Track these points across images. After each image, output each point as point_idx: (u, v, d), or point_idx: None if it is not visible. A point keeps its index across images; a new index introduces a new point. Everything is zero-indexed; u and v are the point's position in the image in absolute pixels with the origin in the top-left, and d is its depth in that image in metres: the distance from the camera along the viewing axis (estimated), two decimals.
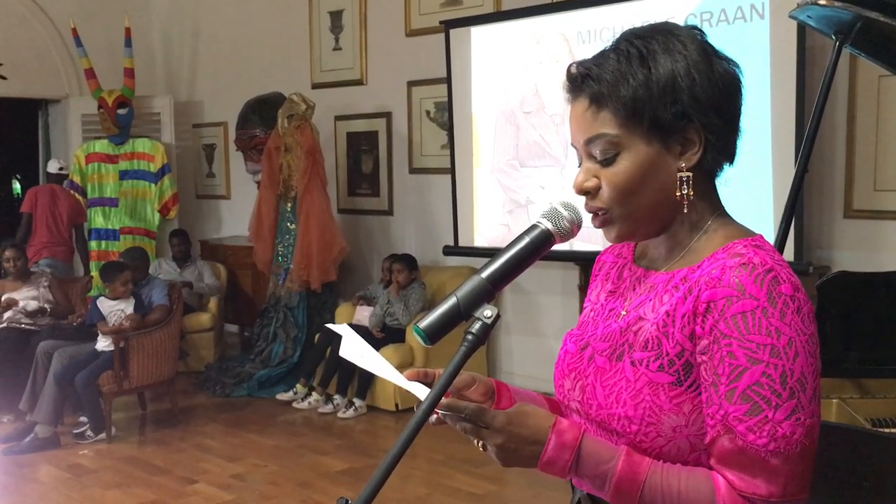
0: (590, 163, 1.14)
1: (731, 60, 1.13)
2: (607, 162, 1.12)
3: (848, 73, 4.35)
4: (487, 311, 1.06)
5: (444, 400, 1.09)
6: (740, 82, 1.14)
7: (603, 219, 1.14)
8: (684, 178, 1.11)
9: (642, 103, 1.09)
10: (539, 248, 1.11)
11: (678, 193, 1.12)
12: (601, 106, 1.11)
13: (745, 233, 1.14)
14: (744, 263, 1.05)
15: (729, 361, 1.03)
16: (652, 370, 1.09)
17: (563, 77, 1.17)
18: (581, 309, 1.34)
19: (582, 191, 1.14)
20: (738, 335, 1.03)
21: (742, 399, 1.02)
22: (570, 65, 1.16)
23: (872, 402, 2.40)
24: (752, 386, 1.02)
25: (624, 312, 1.18)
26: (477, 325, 1.06)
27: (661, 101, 1.09)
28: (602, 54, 1.14)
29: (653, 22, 1.18)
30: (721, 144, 1.12)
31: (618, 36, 1.15)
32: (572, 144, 1.18)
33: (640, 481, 1.06)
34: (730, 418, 1.03)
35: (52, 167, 7.08)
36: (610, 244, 1.33)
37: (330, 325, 1.37)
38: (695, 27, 1.14)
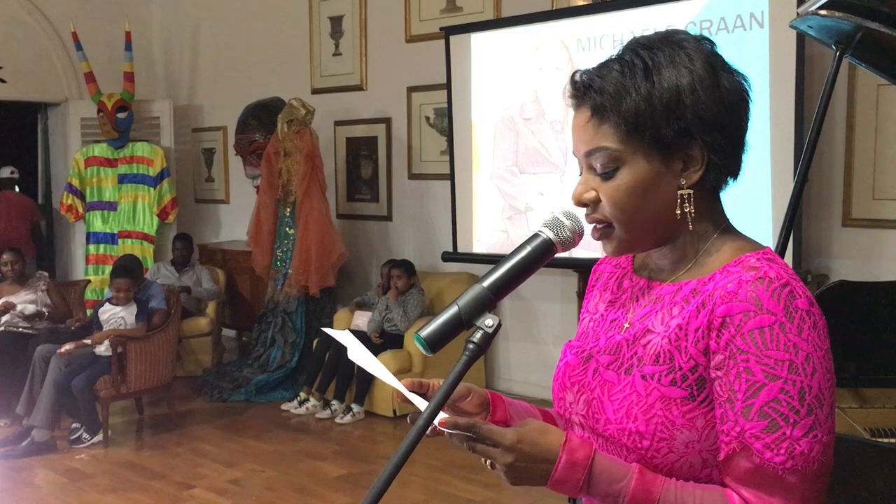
0: (590, 174, 1.12)
1: (739, 72, 1.10)
2: (607, 176, 1.10)
3: (847, 82, 4.36)
4: (489, 321, 1.05)
5: (451, 418, 1.07)
6: (748, 96, 1.10)
7: (603, 232, 1.13)
8: (685, 196, 1.09)
9: (644, 118, 1.06)
10: (541, 257, 1.10)
11: (678, 211, 1.09)
12: (603, 119, 1.08)
13: (755, 245, 1.12)
14: (760, 277, 1.03)
15: (746, 377, 1.01)
16: (664, 384, 1.07)
17: (566, 85, 1.13)
18: (579, 317, 1.32)
19: (580, 203, 1.13)
20: (756, 351, 1.01)
21: (759, 416, 1.00)
22: (574, 72, 1.13)
23: (871, 412, 2.40)
24: (769, 402, 1.00)
25: (627, 324, 1.16)
26: (478, 335, 1.05)
27: (663, 117, 1.06)
28: (606, 64, 1.11)
29: (660, 31, 1.14)
30: (724, 162, 1.09)
31: (624, 44, 1.12)
32: (574, 153, 1.16)
33: (653, 500, 1.04)
34: (746, 435, 1.01)
35: (4, 173, 7.64)
36: (601, 256, 1.32)
37: (327, 330, 1.34)
38: (704, 37, 1.11)
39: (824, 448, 1.01)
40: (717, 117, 1.07)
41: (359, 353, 1.20)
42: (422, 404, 1.13)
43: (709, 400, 1.05)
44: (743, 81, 1.10)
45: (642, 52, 1.09)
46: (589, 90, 1.10)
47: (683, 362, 1.06)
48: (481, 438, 1.06)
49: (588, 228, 1.15)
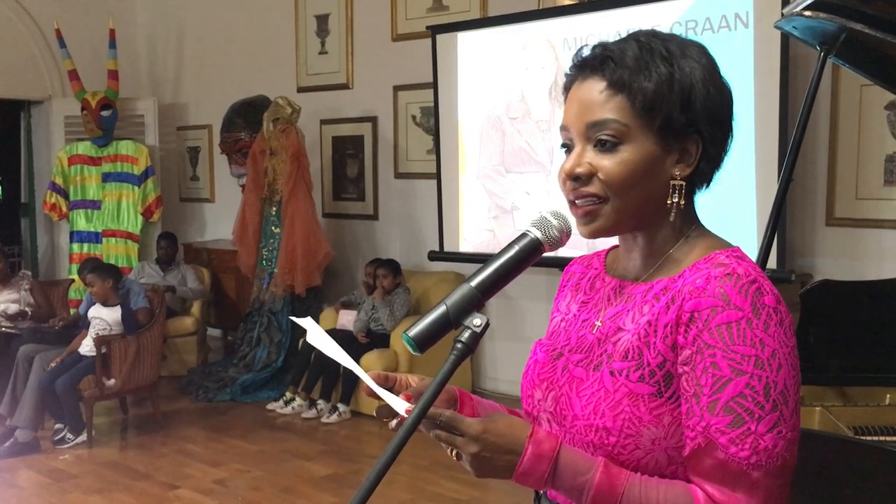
0: (585, 147, 1.10)
1: (727, 81, 1.13)
2: (608, 147, 1.08)
3: (830, 82, 4.39)
4: (477, 320, 1.05)
5: (418, 406, 1.05)
6: (732, 99, 1.13)
7: (591, 208, 1.10)
8: (677, 187, 1.10)
9: (660, 99, 1.07)
10: (528, 257, 1.10)
11: (669, 201, 1.11)
12: (618, 91, 1.08)
13: (724, 244, 1.14)
14: (728, 274, 1.04)
15: (712, 372, 1.02)
16: (632, 381, 1.07)
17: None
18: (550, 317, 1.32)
19: (572, 175, 1.10)
20: (723, 346, 1.02)
21: (725, 410, 1.01)
22: (584, 45, 1.14)
23: (855, 410, 2.42)
24: (735, 397, 1.01)
25: (598, 323, 1.17)
26: (466, 334, 1.05)
27: (677, 103, 1.07)
28: (622, 40, 1.11)
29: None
30: (715, 159, 1.12)
31: (628, 33, 1.13)
32: (563, 126, 1.13)
33: (618, 494, 1.04)
34: (712, 430, 1.02)
35: None
36: (578, 256, 1.33)
37: (293, 318, 1.33)
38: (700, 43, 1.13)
39: (788, 444, 1.02)
40: (719, 113, 1.10)
41: (319, 339, 1.19)
42: (388, 398, 1.13)
43: (676, 396, 1.06)
44: (730, 89, 1.13)
45: (654, 39, 1.10)
46: (607, 61, 1.09)
47: (652, 358, 1.07)
48: (447, 427, 1.07)
49: (576, 228, 1.14)
